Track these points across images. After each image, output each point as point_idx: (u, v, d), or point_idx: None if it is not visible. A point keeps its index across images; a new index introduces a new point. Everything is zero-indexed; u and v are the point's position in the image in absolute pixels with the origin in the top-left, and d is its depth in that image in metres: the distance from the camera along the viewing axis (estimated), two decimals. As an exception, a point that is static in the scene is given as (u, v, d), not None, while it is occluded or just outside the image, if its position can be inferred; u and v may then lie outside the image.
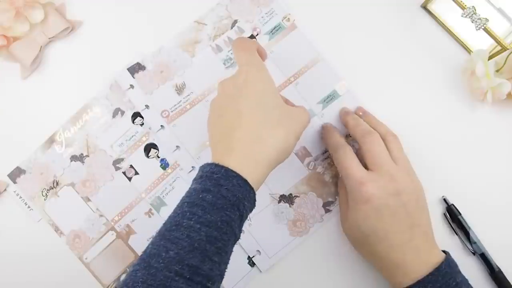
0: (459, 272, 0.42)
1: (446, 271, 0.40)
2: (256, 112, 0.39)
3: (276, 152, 0.39)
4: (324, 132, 0.49)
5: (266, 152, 0.38)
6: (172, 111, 0.50)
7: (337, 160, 0.45)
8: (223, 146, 0.39)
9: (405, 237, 0.42)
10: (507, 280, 0.47)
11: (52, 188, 0.50)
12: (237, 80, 0.41)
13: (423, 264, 0.41)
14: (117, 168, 0.50)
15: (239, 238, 0.38)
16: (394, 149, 0.44)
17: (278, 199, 0.50)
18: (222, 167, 0.37)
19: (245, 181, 0.37)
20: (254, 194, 0.38)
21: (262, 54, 0.45)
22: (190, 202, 0.36)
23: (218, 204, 0.36)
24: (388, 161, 0.43)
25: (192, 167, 0.50)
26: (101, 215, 0.50)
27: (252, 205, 0.39)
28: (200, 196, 0.36)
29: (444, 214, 0.49)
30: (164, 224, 0.37)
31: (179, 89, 0.50)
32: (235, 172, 0.37)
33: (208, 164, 0.38)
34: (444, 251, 0.43)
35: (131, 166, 0.50)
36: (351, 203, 0.44)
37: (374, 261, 0.45)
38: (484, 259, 0.47)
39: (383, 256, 0.42)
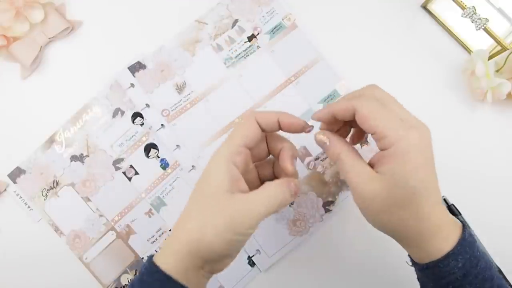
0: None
1: (469, 240, 0.36)
2: (190, 203, 0.38)
3: (189, 242, 0.35)
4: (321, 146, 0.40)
5: (179, 243, 0.36)
6: (172, 110, 0.50)
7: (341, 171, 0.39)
8: None
9: (440, 194, 0.36)
10: (507, 280, 0.47)
11: (52, 188, 0.50)
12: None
13: (452, 226, 0.36)
14: (117, 168, 0.50)
15: None
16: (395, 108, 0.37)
17: (279, 199, 0.50)
18: (151, 262, 0.36)
19: (166, 276, 0.35)
20: (179, 284, 0.36)
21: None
22: None
23: None
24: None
25: (192, 166, 0.50)
26: (101, 215, 0.50)
27: None
28: None
29: (445, 213, 0.49)
30: None
31: (180, 88, 0.51)
32: (157, 267, 0.35)
33: (147, 258, 0.38)
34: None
35: (131, 166, 0.50)
36: (395, 158, 0.35)
37: (408, 229, 0.36)
38: (485, 258, 0.47)
39: (426, 218, 0.35)
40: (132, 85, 0.50)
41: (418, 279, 0.39)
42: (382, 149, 0.35)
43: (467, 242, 0.36)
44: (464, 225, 0.37)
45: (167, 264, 0.35)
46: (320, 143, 0.39)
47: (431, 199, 0.35)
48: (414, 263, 0.38)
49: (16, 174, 0.50)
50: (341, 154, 0.37)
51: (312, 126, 0.39)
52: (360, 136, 0.43)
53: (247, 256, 0.49)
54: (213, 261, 0.37)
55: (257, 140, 0.38)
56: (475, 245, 0.36)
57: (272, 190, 0.37)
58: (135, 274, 0.49)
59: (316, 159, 0.50)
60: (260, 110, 0.41)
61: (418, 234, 0.36)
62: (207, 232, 0.35)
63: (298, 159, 0.50)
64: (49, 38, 0.51)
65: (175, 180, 0.50)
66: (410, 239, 0.37)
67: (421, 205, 0.35)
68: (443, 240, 0.36)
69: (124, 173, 0.50)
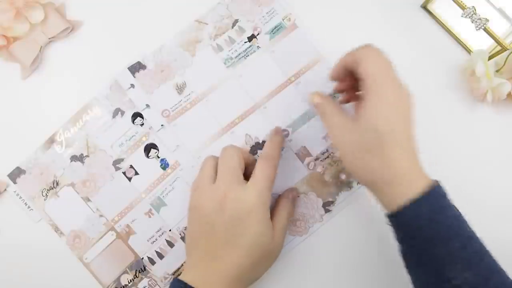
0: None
1: (439, 191, 0.38)
2: (218, 230, 0.42)
3: (237, 269, 0.41)
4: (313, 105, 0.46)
5: (226, 269, 0.41)
6: (172, 111, 0.50)
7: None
8: (189, 261, 0.44)
9: (413, 145, 0.39)
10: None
11: (52, 188, 0.50)
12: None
13: (422, 178, 0.38)
14: (117, 168, 0.50)
15: None
16: None
17: (279, 199, 0.50)
18: (182, 282, 0.41)
19: None
20: None
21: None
22: None
23: None
24: None
25: (193, 166, 0.50)
26: (101, 215, 0.50)
27: None
28: None
29: (445, 214, 0.49)
30: None
31: (180, 89, 0.51)
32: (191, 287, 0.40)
33: (175, 280, 0.42)
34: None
35: (131, 166, 0.50)
36: (370, 107, 0.39)
37: (373, 173, 0.39)
38: (485, 258, 0.47)
39: (391, 164, 0.38)
40: (132, 85, 0.50)
41: (395, 236, 0.41)
42: (363, 93, 0.39)
43: (435, 192, 0.38)
44: (439, 182, 0.39)
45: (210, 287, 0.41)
46: (312, 103, 0.45)
47: (398, 147, 0.38)
48: (387, 218, 0.40)
49: (16, 174, 0.50)
50: (326, 110, 0.43)
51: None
52: (353, 98, 0.47)
53: (247, 256, 0.49)
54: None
55: None
56: (444, 198, 0.38)
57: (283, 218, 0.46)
58: (135, 274, 0.49)
59: (316, 159, 0.50)
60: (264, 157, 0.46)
61: (382, 179, 0.39)
62: (256, 270, 0.43)
63: (298, 159, 0.50)
64: (49, 38, 0.51)
65: (175, 180, 0.50)
66: (376, 184, 0.39)
67: (387, 151, 0.38)
68: (406, 187, 0.38)
69: (124, 173, 0.50)
